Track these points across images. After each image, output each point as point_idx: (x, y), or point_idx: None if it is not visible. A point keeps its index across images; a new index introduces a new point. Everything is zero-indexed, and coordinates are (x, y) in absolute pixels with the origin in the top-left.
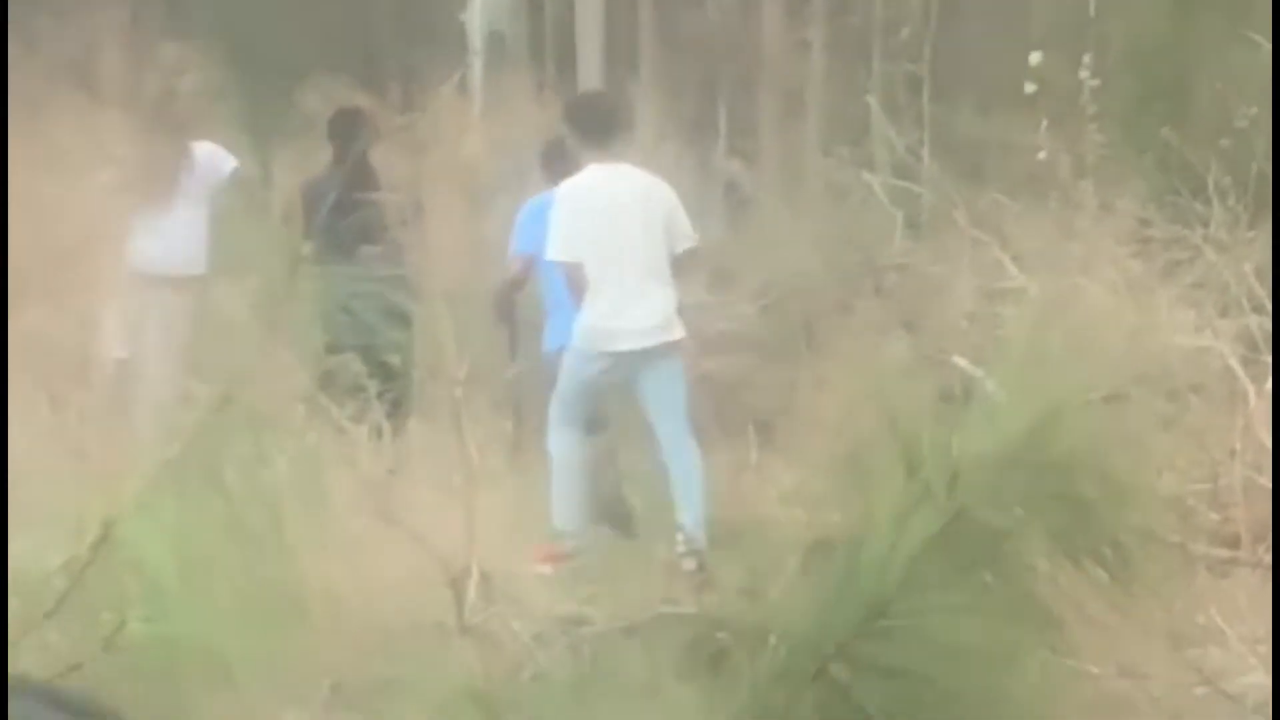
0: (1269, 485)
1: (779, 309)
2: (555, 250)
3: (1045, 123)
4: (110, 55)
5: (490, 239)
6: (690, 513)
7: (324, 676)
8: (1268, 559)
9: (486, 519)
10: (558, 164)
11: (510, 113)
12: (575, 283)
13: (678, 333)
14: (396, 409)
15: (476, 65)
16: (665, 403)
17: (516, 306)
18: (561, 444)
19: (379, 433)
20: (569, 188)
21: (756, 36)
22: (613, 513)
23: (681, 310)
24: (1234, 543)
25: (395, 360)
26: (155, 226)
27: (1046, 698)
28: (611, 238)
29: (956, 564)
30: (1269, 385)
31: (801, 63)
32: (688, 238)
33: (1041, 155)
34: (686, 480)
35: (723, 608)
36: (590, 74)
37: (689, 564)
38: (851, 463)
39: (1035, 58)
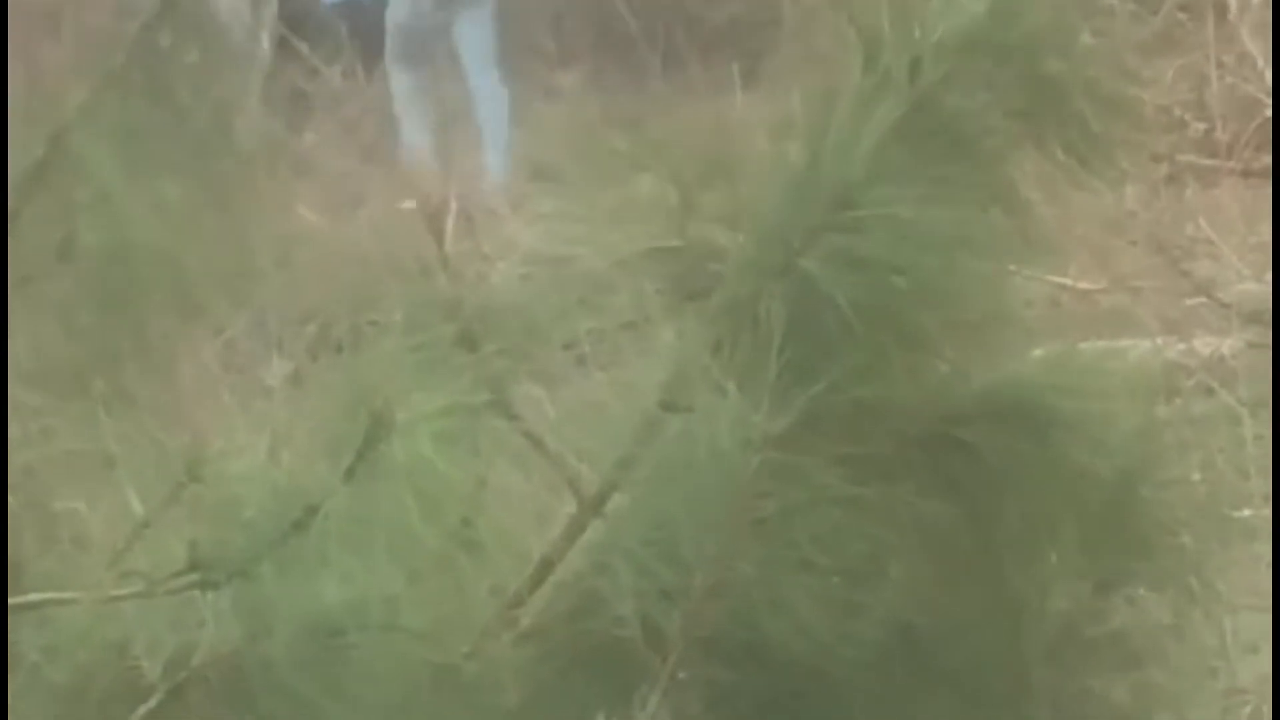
0: (1256, 94)
1: None
2: None
3: None
4: None
5: None
6: (495, 156)
7: (308, 320)
8: (1256, 164)
9: (463, 158)
10: None
11: None
12: None
13: None
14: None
15: None
16: (473, 49)
17: None
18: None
19: (354, 74)
20: None
21: None
22: None
23: None
24: (1222, 152)
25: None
26: None
27: (1014, 298)
28: None
29: (923, 153)
30: None
31: None
32: None
33: None
34: (494, 125)
35: (708, 238)
36: None
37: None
38: (824, 78)
39: None
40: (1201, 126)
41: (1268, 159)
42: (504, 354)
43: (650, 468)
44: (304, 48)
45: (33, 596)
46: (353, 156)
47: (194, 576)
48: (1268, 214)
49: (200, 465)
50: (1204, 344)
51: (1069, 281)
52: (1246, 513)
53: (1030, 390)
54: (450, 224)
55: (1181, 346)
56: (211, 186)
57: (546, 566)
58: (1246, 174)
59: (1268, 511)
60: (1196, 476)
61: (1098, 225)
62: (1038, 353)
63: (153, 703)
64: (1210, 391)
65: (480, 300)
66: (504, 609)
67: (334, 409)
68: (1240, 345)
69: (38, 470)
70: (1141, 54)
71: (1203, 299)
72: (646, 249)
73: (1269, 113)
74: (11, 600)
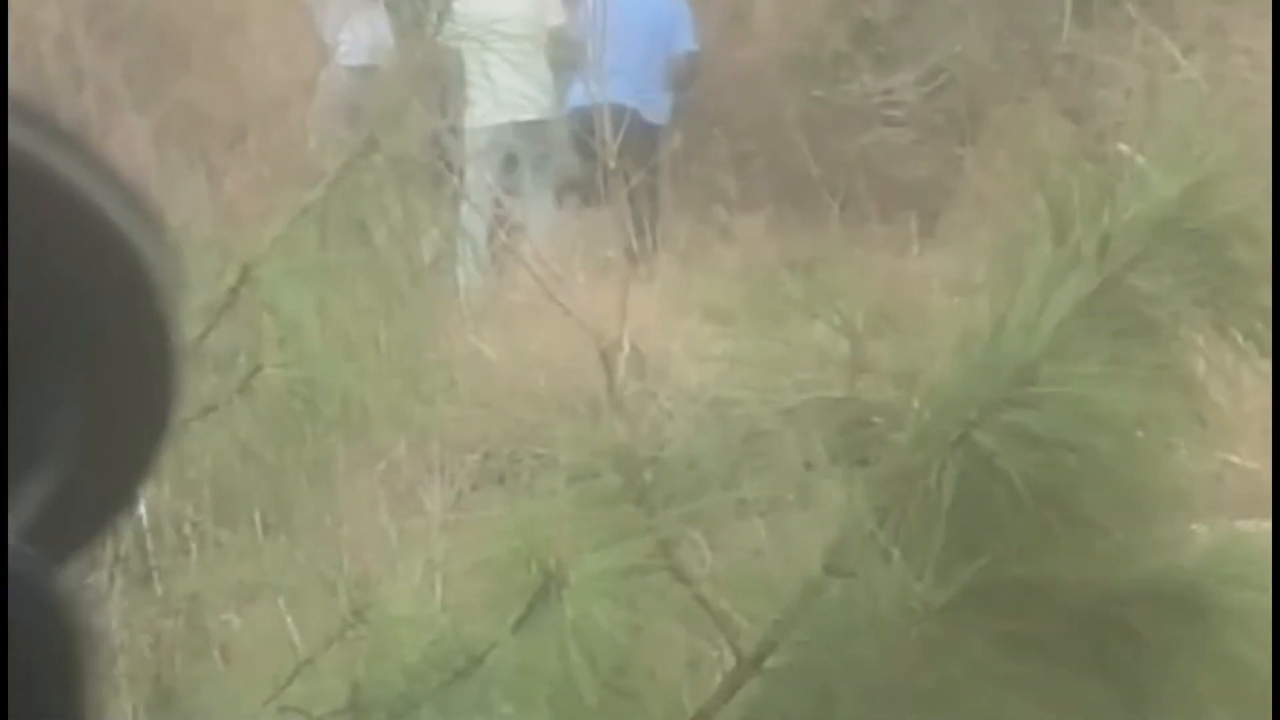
0: None
1: (944, 95)
2: None
3: None
4: None
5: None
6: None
7: (472, 449)
8: None
9: (640, 297)
10: None
11: None
12: None
13: None
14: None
15: None
16: None
17: None
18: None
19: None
20: None
21: None
22: None
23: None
24: None
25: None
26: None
27: (1179, 473)
28: None
29: (1105, 332)
30: None
31: None
32: None
33: None
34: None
35: (877, 392)
36: None
37: None
38: (1011, 245)
39: None
40: None
41: None
42: (673, 507)
43: (810, 630)
44: (489, 179)
45: None
46: (529, 290)
47: (352, 717)
48: None
49: (366, 607)
50: None
51: (1236, 459)
52: None
53: (1195, 575)
54: (622, 363)
55: None
56: (398, 324)
57: None
58: None
59: None
60: None
61: (1265, 403)
62: (1200, 529)
63: None
64: None
65: (648, 449)
66: None
67: (498, 551)
68: None
69: (202, 594)
70: None
71: None
72: (815, 398)
73: None
74: None
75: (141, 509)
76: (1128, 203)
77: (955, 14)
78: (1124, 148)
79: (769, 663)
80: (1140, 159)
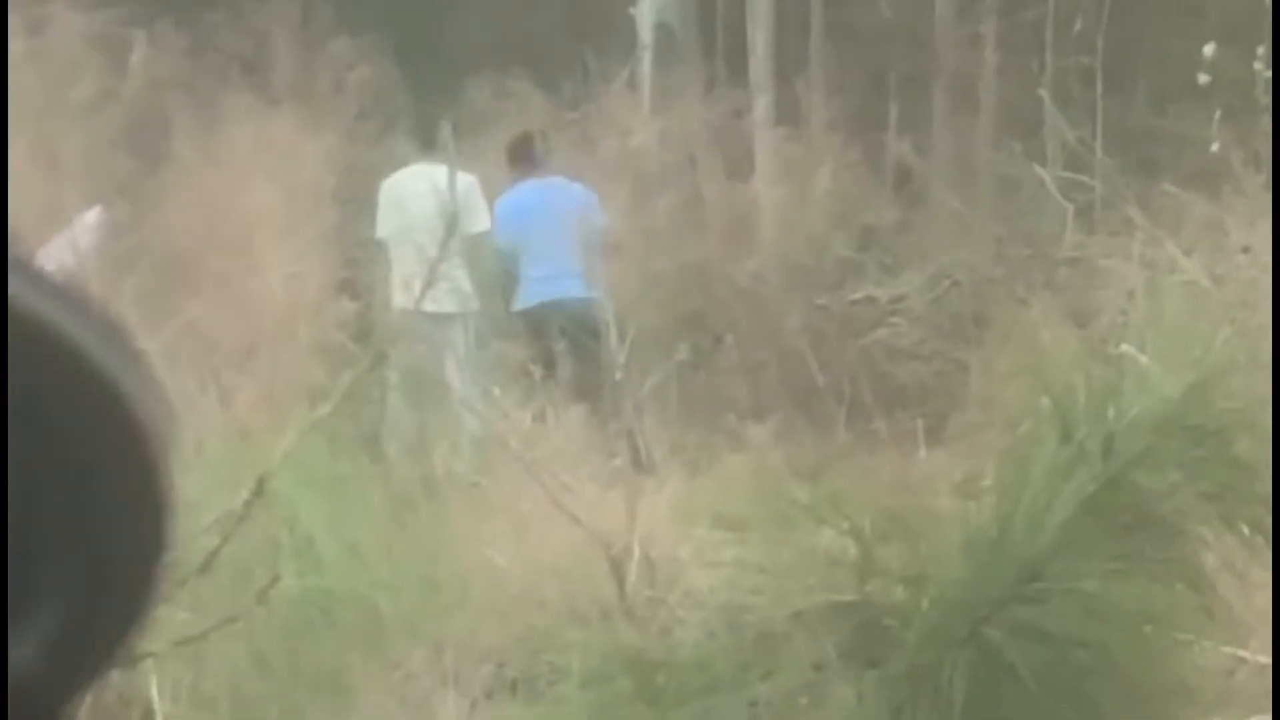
0: None
1: (949, 301)
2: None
3: (1219, 114)
4: (281, 52)
5: (657, 229)
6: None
7: (485, 659)
8: None
9: (649, 506)
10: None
11: (679, 106)
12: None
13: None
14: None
15: (646, 59)
16: None
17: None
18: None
19: (543, 417)
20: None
21: (928, 30)
22: None
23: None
24: None
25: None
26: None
27: (1190, 668)
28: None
29: (1112, 528)
30: None
31: (973, 56)
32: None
33: (1215, 147)
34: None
35: (887, 595)
36: (760, 68)
37: None
38: (1018, 447)
39: (1209, 49)
40: None
41: None
42: (684, 707)
43: None
44: (496, 391)
45: None
46: (539, 499)
47: None
48: None
49: None
50: None
51: (1247, 655)
52: None
53: None
54: (633, 571)
55: None
56: (409, 535)
57: None
58: None
59: None
60: None
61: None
62: None
63: None
64: None
65: (660, 653)
66: None
67: None
68: None
69: None
70: None
71: None
72: (825, 602)
73: None
74: None
75: None
76: (1130, 401)
77: (957, 221)
78: (1126, 348)
79: None
80: (1143, 359)
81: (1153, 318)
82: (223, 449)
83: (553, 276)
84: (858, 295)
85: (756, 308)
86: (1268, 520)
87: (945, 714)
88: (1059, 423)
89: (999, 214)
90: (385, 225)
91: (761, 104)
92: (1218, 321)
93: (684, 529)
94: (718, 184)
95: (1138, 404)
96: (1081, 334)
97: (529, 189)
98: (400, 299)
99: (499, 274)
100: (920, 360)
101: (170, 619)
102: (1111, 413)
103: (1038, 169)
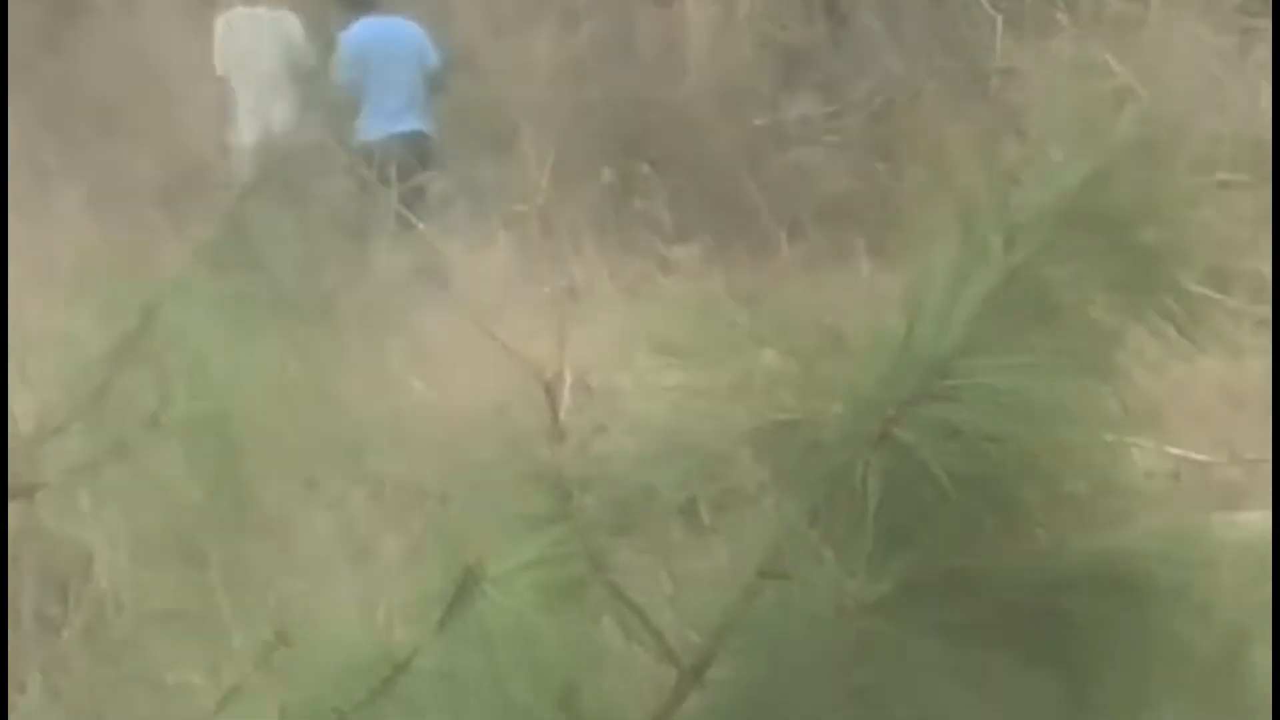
0: None
1: (885, 118)
2: None
3: None
4: None
5: (578, 60)
6: None
7: (423, 493)
8: None
9: (586, 335)
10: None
11: None
12: None
13: None
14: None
15: None
16: None
17: None
18: None
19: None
20: None
21: None
22: None
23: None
24: None
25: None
26: None
27: (1128, 470)
28: None
29: (1019, 323)
30: None
31: None
32: None
33: None
34: None
35: (828, 413)
36: None
37: None
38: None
39: None
40: None
41: None
42: (600, 516)
43: (748, 636)
44: (417, 221)
45: None
46: (466, 327)
47: None
48: None
49: (290, 629)
50: None
51: (1189, 454)
52: None
53: (1131, 559)
54: (566, 396)
55: None
56: (311, 355)
57: None
58: None
59: None
60: None
61: (1215, 397)
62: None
63: None
64: None
65: (582, 469)
66: None
67: (429, 568)
68: None
69: (136, 639)
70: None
71: None
72: (770, 423)
73: None
74: None
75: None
76: (1030, 194)
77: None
78: (1058, 155)
79: (710, 673)
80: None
81: (1053, 105)
82: (110, 275)
83: (397, 111)
84: (791, 114)
85: (690, 131)
86: (1182, 314)
87: (859, 515)
88: (960, 216)
89: (929, 26)
90: (224, 62)
91: None
92: (1120, 108)
93: (623, 356)
94: (644, 9)
95: (1037, 196)
96: (1020, 144)
97: (369, 27)
98: (247, 131)
99: (343, 105)
100: (857, 178)
101: (61, 448)
102: (1012, 205)
103: None
